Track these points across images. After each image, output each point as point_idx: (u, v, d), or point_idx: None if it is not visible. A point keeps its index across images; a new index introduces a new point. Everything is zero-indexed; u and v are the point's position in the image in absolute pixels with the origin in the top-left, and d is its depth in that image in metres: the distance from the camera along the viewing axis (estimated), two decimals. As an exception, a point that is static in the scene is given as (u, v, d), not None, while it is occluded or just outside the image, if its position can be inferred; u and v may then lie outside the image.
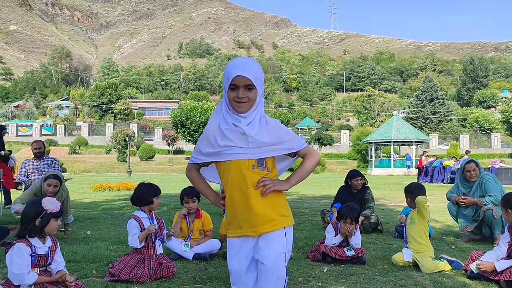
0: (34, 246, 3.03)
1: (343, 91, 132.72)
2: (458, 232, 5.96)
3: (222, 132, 2.30)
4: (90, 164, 40.69)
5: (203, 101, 51.54)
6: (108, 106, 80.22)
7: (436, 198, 11.76)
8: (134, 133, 50.94)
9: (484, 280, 3.69)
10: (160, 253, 3.90)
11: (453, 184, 7.01)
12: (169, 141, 50.85)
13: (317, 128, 68.04)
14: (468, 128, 67.37)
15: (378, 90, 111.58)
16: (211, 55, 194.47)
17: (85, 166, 39.49)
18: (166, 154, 50.49)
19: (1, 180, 8.71)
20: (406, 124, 35.34)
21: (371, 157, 35.03)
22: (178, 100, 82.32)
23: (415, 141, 33.26)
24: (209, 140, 2.35)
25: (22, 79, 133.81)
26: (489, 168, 20.36)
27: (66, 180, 7.90)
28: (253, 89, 2.26)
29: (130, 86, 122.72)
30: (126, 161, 37.19)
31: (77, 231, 6.31)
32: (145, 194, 3.88)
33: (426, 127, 66.54)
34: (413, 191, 4.42)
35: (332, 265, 4.27)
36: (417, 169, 25.47)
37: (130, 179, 22.23)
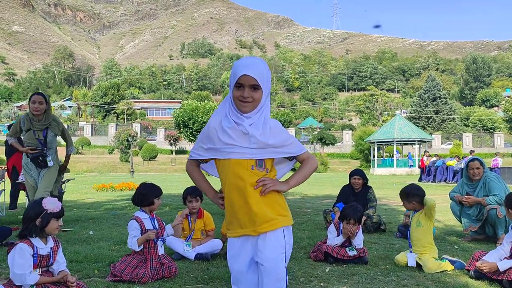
0: (36, 247, 3.03)
1: (345, 91, 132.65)
2: (461, 231, 5.94)
3: (223, 129, 2.29)
4: (92, 164, 40.76)
5: (205, 101, 51.51)
6: (110, 106, 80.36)
7: (439, 197, 11.73)
8: (137, 133, 51.04)
9: (487, 280, 3.67)
10: (162, 253, 3.89)
11: (456, 184, 6.99)
12: (172, 141, 50.88)
13: (319, 128, 68.00)
14: (471, 128, 67.20)
15: (381, 90, 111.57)
16: (213, 55, 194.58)
17: (87, 166, 39.55)
18: (169, 154, 50.53)
19: (4, 180, 8.74)
20: (409, 123, 35.28)
21: (374, 157, 34.98)
22: (181, 100, 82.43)
23: (418, 141, 33.20)
24: (210, 137, 2.35)
25: (25, 79, 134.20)
26: (492, 168, 20.36)
27: (68, 180, 7.93)
28: (258, 90, 2.26)
29: (133, 86, 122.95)
30: (129, 161, 37.22)
31: (79, 231, 6.32)
32: (146, 195, 3.88)
33: (428, 127, 66.39)
34: (417, 193, 4.38)
35: (334, 265, 4.27)
36: (420, 169, 25.43)
37: (132, 179, 22.25)
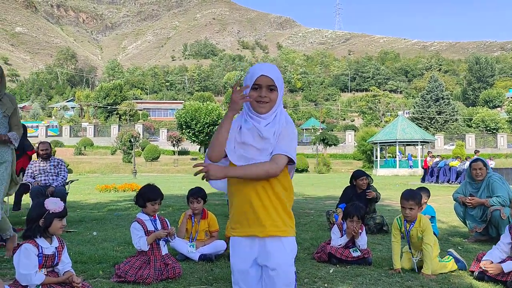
0: (41, 247, 3.05)
1: (348, 92, 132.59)
2: (465, 232, 5.94)
3: (242, 130, 2.34)
4: (95, 165, 40.83)
5: (207, 102, 51.62)
6: (113, 107, 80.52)
7: (442, 198, 11.72)
8: (139, 134, 51.11)
9: (491, 281, 3.67)
10: (166, 254, 3.91)
11: (459, 185, 6.98)
12: (174, 142, 50.96)
13: (322, 129, 67.99)
14: (474, 128, 67.06)
15: (383, 90, 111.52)
16: (215, 56, 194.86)
17: (90, 167, 39.62)
18: (171, 155, 50.60)
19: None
20: (411, 124, 35.23)
21: (376, 158, 34.95)
22: (183, 101, 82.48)
23: (421, 141, 33.15)
24: (229, 138, 2.36)
25: (28, 80, 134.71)
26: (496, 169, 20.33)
27: (72, 181, 7.95)
28: (274, 90, 2.33)
29: (135, 87, 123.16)
30: (131, 162, 37.28)
31: (83, 232, 6.34)
32: (140, 197, 3.91)
33: (431, 127, 66.26)
34: (419, 196, 4.27)
35: (338, 266, 4.27)
36: (423, 170, 25.39)
37: (135, 180, 22.28)
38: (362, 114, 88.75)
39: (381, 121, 77.84)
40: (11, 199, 8.75)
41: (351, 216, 4.40)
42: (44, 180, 6.98)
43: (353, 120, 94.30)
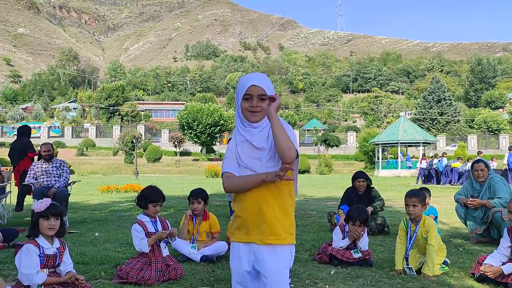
0: (42, 247, 3.07)
1: (349, 92, 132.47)
2: (466, 234, 5.94)
3: (238, 144, 2.38)
4: (97, 166, 40.85)
5: (209, 103, 51.64)
6: (115, 108, 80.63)
7: (444, 200, 11.70)
8: (141, 135, 51.08)
9: (492, 283, 3.68)
10: (167, 255, 3.92)
11: (461, 186, 6.98)
12: (176, 143, 50.93)
13: (323, 130, 67.95)
14: (476, 129, 66.93)
15: (385, 91, 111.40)
16: (217, 57, 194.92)
17: (92, 168, 39.64)
18: (173, 155, 50.59)
19: (10, 182, 8.79)
20: (413, 125, 35.17)
21: (378, 159, 34.90)
22: (185, 102, 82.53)
23: (423, 142, 33.08)
24: (235, 156, 2.40)
25: (30, 81, 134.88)
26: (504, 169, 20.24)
27: (74, 182, 7.97)
28: (265, 100, 2.35)
29: (137, 88, 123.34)
30: (133, 163, 37.29)
31: (85, 233, 6.35)
32: (142, 198, 3.93)
33: (433, 128, 66.13)
34: (422, 194, 4.31)
35: (339, 267, 4.27)
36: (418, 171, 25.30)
37: (137, 181, 22.31)
38: (364, 115, 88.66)
39: (383, 122, 77.75)
40: (13, 200, 8.79)
41: (353, 220, 4.40)
42: (47, 181, 7.00)
43: (355, 121, 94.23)
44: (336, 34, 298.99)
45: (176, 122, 52.59)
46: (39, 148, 7.55)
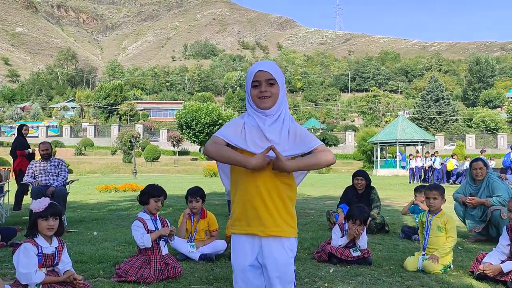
0: (41, 246, 3.07)
1: (348, 92, 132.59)
2: (465, 232, 5.94)
3: (247, 127, 2.33)
4: (95, 165, 40.81)
5: (208, 102, 51.62)
6: (113, 107, 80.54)
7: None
8: (140, 134, 51.08)
9: (491, 281, 3.68)
10: (166, 254, 3.92)
11: (459, 185, 6.98)
12: (174, 142, 50.96)
13: (322, 129, 68.03)
14: (474, 128, 67.08)
15: (383, 91, 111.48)
16: (216, 56, 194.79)
17: (91, 167, 39.59)
18: (171, 155, 50.60)
19: (9, 181, 8.77)
20: (412, 124, 35.20)
21: (377, 158, 34.93)
22: (183, 101, 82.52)
23: (421, 142, 33.12)
24: (237, 131, 2.33)
25: (28, 81, 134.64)
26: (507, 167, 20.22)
27: (72, 181, 7.95)
28: (274, 84, 2.33)
29: (136, 87, 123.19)
30: (132, 162, 37.27)
31: (83, 232, 6.34)
32: (145, 193, 3.95)
33: (431, 128, 66.27)
34: (442, 188, 4.39)
35: (338, 265, 4.27)
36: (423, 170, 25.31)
37: (135, 180, 22.29)
38: (362, 114, 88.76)
39: (381, 121, 77.84)
40: (11, 199, 8.77)
41: (354, 219, 4.39)
42: (45, 180, 6.99)
43: (353, 121, 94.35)
44: (334, 34, 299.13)
45: (175, 121, 52.54)
46: (36, 148, 7.55)
